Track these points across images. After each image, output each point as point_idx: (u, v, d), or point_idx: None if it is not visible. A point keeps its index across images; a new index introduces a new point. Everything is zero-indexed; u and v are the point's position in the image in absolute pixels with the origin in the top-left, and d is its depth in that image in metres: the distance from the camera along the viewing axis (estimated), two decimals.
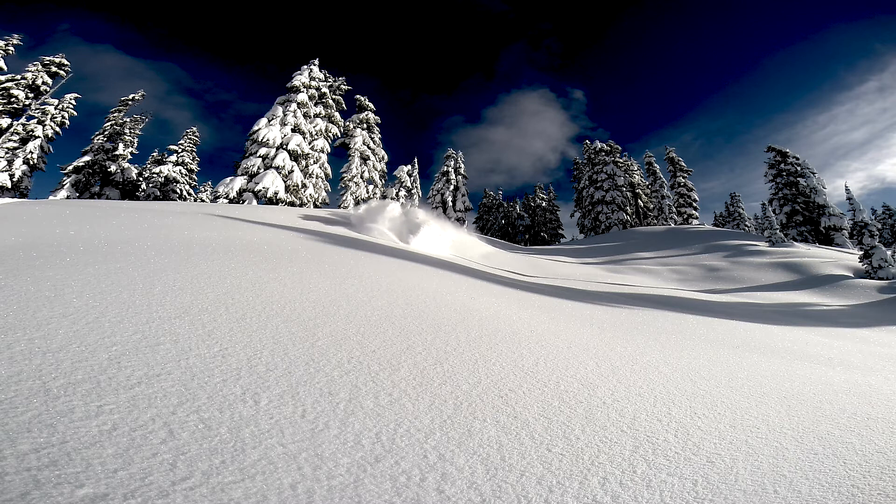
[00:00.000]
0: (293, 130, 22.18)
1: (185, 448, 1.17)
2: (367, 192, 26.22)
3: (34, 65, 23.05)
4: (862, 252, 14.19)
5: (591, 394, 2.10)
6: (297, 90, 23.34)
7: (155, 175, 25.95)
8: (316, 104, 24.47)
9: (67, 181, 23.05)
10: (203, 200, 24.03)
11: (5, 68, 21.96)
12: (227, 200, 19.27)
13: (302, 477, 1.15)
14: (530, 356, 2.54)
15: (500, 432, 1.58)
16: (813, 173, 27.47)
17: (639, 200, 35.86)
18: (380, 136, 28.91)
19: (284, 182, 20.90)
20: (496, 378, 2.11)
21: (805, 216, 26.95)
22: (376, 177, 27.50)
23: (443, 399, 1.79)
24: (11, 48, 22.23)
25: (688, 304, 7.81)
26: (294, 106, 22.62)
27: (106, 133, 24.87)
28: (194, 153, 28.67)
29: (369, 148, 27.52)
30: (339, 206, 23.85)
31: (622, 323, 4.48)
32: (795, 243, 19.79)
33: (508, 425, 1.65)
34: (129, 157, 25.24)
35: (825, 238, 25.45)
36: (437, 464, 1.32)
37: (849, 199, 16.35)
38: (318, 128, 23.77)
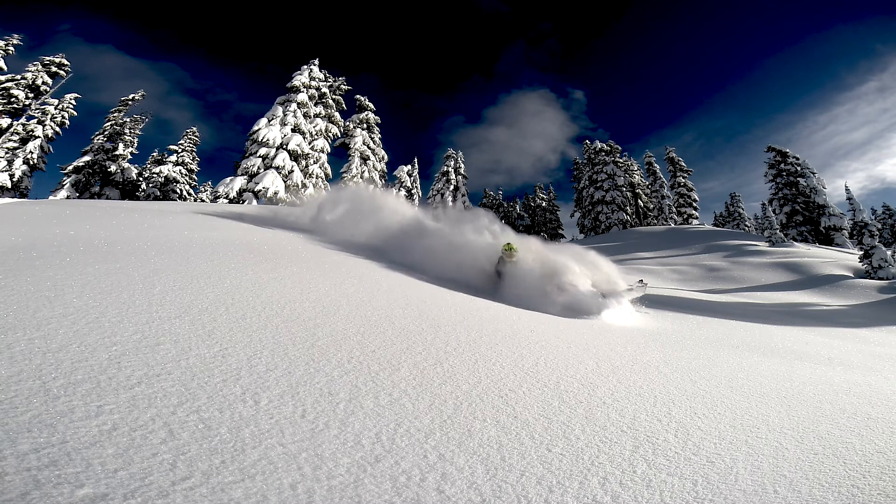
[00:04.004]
0: (293, 130, 22.18)
1: (185, 448, 1.17)
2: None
3: (34, 65, 23.04)
4: (862, 252, 14.20)
5: (591, 394, 2.10)
6: (297, 90, 23.33)
7: (155, 175, 25.95)
8: (316, 104, 24.46)
9: (67, 181, 23.04)
10: (203, 200, 24.03)
11: (5, 68, 21.96)
12: (227, 200, 19.27)
13: (302, 477, 1.15)
14: (530, 356, 2.54)
15: (500, 432, 1.58)
16: (813, 173, 27.47)
17: (639, 200, 35.85)
18: (380, 136, 28.92)
19: (284, 182, 20.90)
20: (496, 378, 2.11)
21: (805, 216, 26.94)
22: (376, 177, 27.49)
23: (443, 399, 1.79)
24: (11, 48, 22.22)
25: (687, 304, 7.81)
26: (294, 106, 22.62)
27: (106, 133, 24.87)
28: (194, 153, 28.66)
29: (369, 148, 27.52)
30: None
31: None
32: (795, 243, 19.79)
33: (508, 425, 1.65)
34: (129, 157, 25.23)
35: (825, 238, 25.45)
36: (437, 464, 1.32)
37: (849, 199, 16.37)
38: (318, 128, 23.77)
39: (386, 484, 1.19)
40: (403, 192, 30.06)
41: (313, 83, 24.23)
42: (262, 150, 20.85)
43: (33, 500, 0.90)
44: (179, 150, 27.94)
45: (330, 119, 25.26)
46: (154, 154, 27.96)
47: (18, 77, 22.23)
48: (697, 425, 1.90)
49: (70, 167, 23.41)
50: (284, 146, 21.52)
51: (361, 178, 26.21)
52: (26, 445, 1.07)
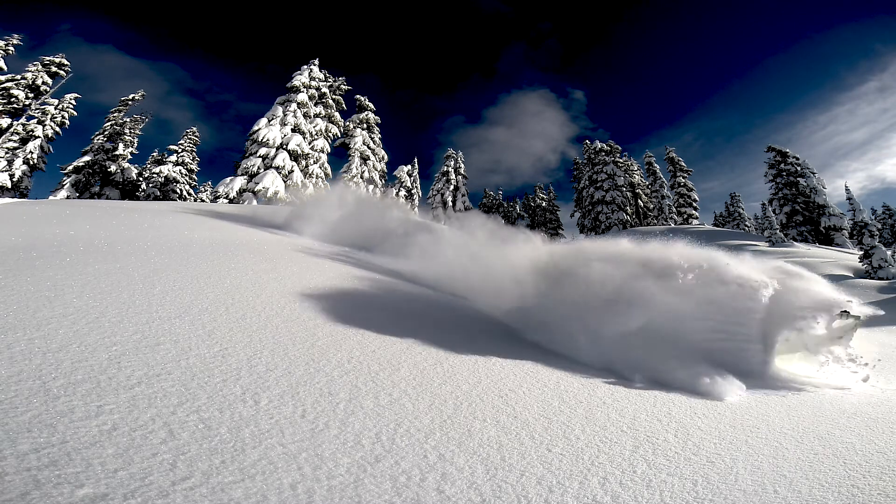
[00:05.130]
0: (293, 130, 22.19)
1: (185, 448, 1.17)
2: (368, 192, 26.20)
3: (34, 65, 23.02)
4: (862, 252, 14.19)
5: (591, 394, 2.10)
6: (297, 90, 23.34)
7: (155, 175, 25.93)
8: (316, 104, 24.47)
9: (67, 181, 23.04)
10: (203, 200, 24.03)
11: (5, 68, 21.94)
12: (227, 200, 19.28)
13: (302, 477, 1.15)
14: (530, 356, 2.54)
15: (500, 432, 1.58)
16: (813, 173, 27.46)
17: (639, 200, 35.85)
18: (380, 136, 28.92)
19: (284, 182, 20.91)
20: (496, 378, 2.11)
21: (805, 216, 26.93)
22: (376, 177, 27.50)
23: (443, 399, 1.79)
24: (11, 48, 22.21)
25: None
26: (294, 106, 22.63)
27: (106, 133, 24.86)
28: (194, 153, 28.63)
29: (369, 148, 27.52)
30: None
31: None
32: (795, 243, 19.79)
33: (508, 425, 1.65)
34: (129, 157, 25.21)
35: (825, 238, 25.44)
36: (437, 464, 1.32)
37: (849, 199, 16.36)
38: (318, 128, 23.78)
39: (386, 484, 1.19)
40: (403, 192, 30.06)
41: (313, 83, 24.23)
42: (262, 150, 20.86)
43: (33, 500, 0.90)
44: (179, 150, 27.91)
45: (330, 119, 25.26)
46: (154, 154, 27.92)
47: (18, 77, 22.22)
48: (697, 425, 1.90)
49: (70, 167, 23.40)
50: (284, 146, 21.53)
51: (361, 178, 26.22)
52: (26, 445, 1.07)
